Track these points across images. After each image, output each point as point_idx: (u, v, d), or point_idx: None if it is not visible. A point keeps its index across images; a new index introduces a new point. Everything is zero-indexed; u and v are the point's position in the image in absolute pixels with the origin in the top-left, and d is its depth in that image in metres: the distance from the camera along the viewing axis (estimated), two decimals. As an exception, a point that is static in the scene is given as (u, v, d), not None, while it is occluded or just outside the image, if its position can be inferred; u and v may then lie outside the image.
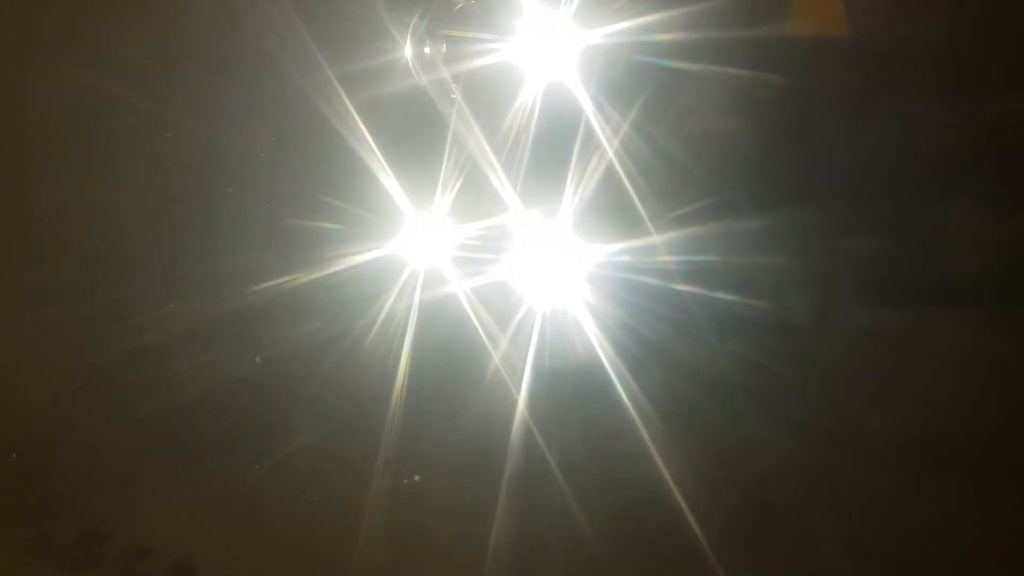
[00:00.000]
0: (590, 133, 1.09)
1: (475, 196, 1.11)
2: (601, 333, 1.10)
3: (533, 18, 1.09)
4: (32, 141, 1.13)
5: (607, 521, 1.04)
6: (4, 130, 1.13)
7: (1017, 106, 1.14)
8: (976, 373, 1.11)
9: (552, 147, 1.11)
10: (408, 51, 1.14)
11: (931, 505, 1.04)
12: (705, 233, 1.14)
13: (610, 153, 1.09)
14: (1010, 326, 1.12)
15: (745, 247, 1.15)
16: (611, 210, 1.11)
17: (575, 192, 1.10)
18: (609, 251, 1.13)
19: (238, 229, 1.09)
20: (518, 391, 1.07)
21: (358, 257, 1.10)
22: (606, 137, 1.09)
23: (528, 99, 1.10)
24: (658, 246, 1.12)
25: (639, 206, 1.10)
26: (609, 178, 1.10)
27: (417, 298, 1.09)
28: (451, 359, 1.09)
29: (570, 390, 1.10)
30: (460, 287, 1.11)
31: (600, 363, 1.08)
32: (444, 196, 1.11)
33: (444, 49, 1.15)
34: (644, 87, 1.11)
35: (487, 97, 1.11)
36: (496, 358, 1.08)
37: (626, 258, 1.13)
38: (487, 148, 1.11)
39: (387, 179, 1.11)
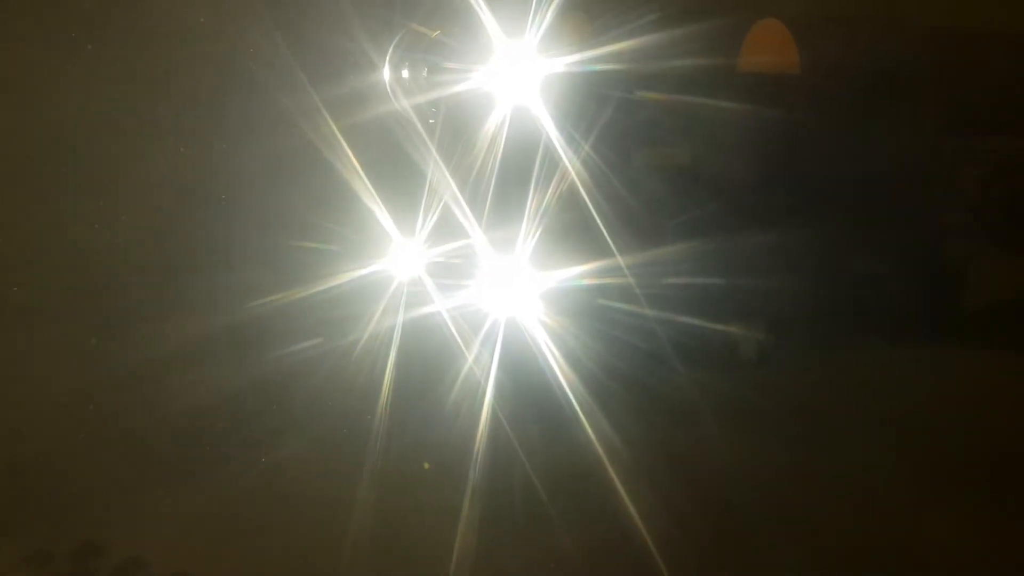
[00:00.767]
0: (553, 158, 1.13)
1: (447, 218, 1.14)
2: (562, 357, 1.13)
3: (501, 47, 1.13)
4: (29, 161, 1.15)
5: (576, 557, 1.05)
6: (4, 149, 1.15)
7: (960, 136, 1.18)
8: (947, 403, 1.12)
9: (517, 172, 1.14)
10: (386, 76, 1.19)
11: (909, 535, 1.04)
12: (670, 257, 1.16)
13: (572, 177, 1.13)
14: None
15: (710, 271, 1.17)
16: (574, 234, 1.14)
17: (539, 215, 1.14)
18: (571, 275, 1.16)
19: (230, 249, 1.12)
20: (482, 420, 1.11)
21: (343, 277, 1.14)
22: (568, 162, 1.13)
23: (496, 124, 1.13)
24: (622, 269, 1.15)
25: (603, 230, 1.13)
26: (572, 202, 1.13)
27: (400, 317, 1.13)
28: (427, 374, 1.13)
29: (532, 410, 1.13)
30: (434, 306, 1.15)
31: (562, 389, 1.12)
32: (421, 218, 1.15)
33: (425, 74, 1.19)
34: (603, 115, 1.14)
35: (458, 122, 1.15)
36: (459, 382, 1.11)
37: (588, 282, 1.16)
38: (458, 171, 1.15)
39: (369, 200, 1.15)
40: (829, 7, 1.22)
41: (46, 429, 1.14)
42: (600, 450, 1.05)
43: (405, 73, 1.19)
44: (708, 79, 1.16)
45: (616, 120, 1.15)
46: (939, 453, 1.09)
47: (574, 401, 1.10)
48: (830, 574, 1.04)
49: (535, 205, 1.14)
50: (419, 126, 1.17)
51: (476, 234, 1.15)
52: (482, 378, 1.11)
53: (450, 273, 1.15)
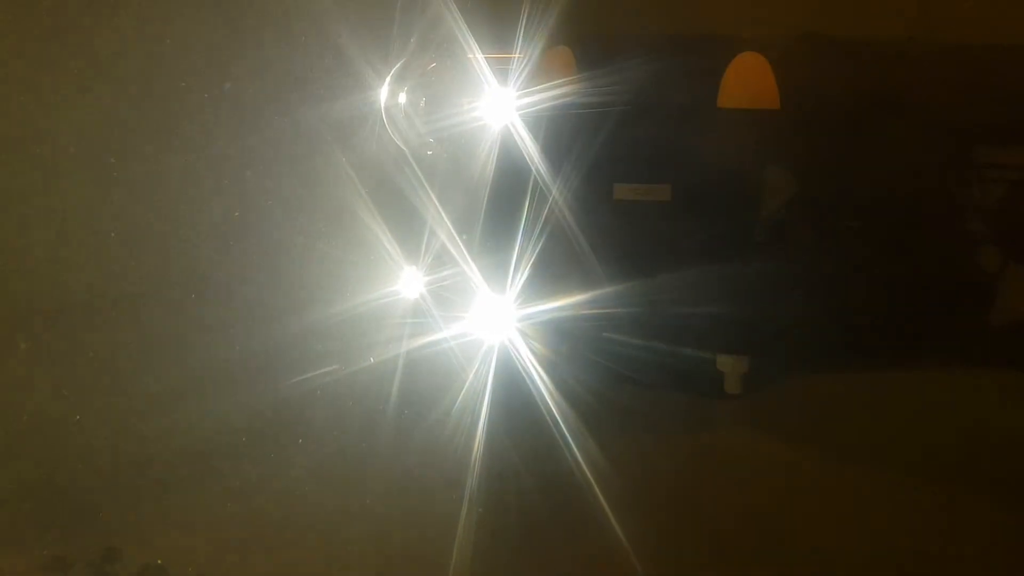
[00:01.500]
0: (538, 190, 1.18)
1: (443, 247, 1.19)
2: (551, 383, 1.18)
3: (491, 82, 1.18)
4: (40, 191, 1.19)
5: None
6: (12, 182, 1.18)
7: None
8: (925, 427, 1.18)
9: (506, 204, 1.19)
10: (383, 103, 1.23)
11: (899, 556, 1.04)
12: (653, 286, 1.22)
13: (557, 209, 1.18)
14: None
15: (693, 299, 1.22)
16: (558, 265, 1.19)
17: (527, 246, 1.19)
18: (556, 305, 1.22)
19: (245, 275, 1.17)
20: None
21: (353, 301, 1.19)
22: (552, 195, 1.18)
23: (486, 156, 1.18)
24: (607, 298, 1.21)
25: (591, 259, 1.19)
26: (557, 234, 1.18)
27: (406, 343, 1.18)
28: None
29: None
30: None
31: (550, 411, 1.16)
32: (420, 248, 1.21)
33: (423, 104, 1.24)
34: (586, 148, 1.19)
35: (455, 154, 1.20)
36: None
37: (573, 312, 1.21)
38: (452, 202, 1.20)
39: (375, 226, 1.20)
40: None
41: (67, 435, 1.19)
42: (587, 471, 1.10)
43: (402, 98, 1.23)
44: (689, 113, 1.21)
45: (598, 153, 1.19)
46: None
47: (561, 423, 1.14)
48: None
49: (523, 237, 1.19)
50: (412, 156, 1.21)
51: (468, 264, 1.20)
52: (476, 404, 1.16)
53: (443, 303, 1.20)
